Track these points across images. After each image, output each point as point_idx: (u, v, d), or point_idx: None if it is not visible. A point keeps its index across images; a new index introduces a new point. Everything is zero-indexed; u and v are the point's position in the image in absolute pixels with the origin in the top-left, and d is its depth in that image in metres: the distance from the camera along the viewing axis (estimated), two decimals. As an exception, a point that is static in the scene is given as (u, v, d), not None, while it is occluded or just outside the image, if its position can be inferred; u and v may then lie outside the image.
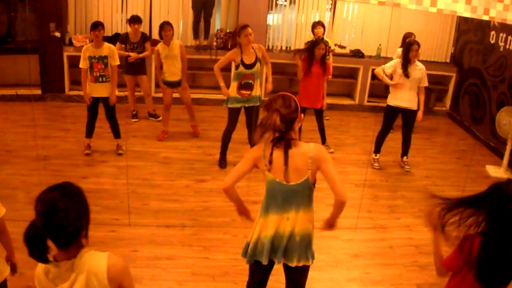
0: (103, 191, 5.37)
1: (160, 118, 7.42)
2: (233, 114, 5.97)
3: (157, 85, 8.19)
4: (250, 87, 5.79)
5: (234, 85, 5.82)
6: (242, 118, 6.05)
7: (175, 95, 6.97)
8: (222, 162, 6.18)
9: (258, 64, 5.76)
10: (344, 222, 5.15)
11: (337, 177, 2.88)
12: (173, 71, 6.70)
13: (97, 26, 5.82)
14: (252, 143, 2.90)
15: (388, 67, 6.24)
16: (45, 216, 1.95)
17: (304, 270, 3.13)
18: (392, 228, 5.15)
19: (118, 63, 6.02)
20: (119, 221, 4.82)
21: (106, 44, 5.91)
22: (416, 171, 6.53)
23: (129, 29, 7.13)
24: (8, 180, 5.44)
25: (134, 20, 6.98)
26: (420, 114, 6.28)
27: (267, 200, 3.01)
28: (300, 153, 2.88)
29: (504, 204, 2.39)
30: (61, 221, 1.95)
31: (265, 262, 3.02)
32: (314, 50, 6.51)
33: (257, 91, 5.87)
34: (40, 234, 1.96)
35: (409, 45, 6.12)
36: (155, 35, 8.37)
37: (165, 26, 6.60)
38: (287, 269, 3.14)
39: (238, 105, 5.90)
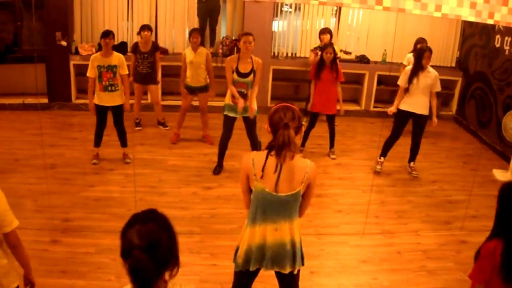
0: (110, 199, 5.35)
1: (168, 127, 7.50)
2: (227, 122, 5.97)
3: (164, 93, 8.24)
4: (242, 96, 5.77)
5: (229, 92, 5.85)
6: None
7: (195, 102, 7.06)
8: (216, 169, 6.18)
9: (252, 75, 5.76)
10: (352, 228, 5.17)
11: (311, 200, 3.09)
12: (196, 77, 6.77)
13: (108, 34, 5.83)
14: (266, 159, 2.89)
15: (404, 80, 6.15)
16: (149, 250, 1.78)
17: (297, 275, 3.17)
18: (399, 234, 5.13)
19: (127, 72, 6.04)
20: (127, 228, 4.81)
21: (115, 54, 5.92)
22: (423, 176, 6.51)
23: (138, 39, 7.16)
24: (16, 189, 5.46)
25: (143, 27, 7.00)
26: (434, 119, 6.26)
27: (254, 209, 2.98)
28: (297, 167, 2.88)
29: None
30: (163, 255, 1.83)
31: (252, 269, 3.06)
32: (323, 55, 6.54)
33: (253, 103, 5.82)
34: (150, 269, 1.77)
35: (421, 52, 6.04)
36: (161, 43, 8.41)
37: (194, 33, 6.72)
38: (280, 276, 3.16)
39: (231, 114, 5.88)
